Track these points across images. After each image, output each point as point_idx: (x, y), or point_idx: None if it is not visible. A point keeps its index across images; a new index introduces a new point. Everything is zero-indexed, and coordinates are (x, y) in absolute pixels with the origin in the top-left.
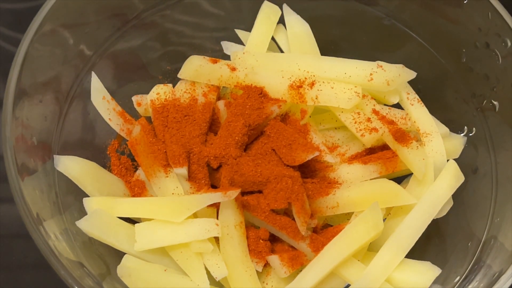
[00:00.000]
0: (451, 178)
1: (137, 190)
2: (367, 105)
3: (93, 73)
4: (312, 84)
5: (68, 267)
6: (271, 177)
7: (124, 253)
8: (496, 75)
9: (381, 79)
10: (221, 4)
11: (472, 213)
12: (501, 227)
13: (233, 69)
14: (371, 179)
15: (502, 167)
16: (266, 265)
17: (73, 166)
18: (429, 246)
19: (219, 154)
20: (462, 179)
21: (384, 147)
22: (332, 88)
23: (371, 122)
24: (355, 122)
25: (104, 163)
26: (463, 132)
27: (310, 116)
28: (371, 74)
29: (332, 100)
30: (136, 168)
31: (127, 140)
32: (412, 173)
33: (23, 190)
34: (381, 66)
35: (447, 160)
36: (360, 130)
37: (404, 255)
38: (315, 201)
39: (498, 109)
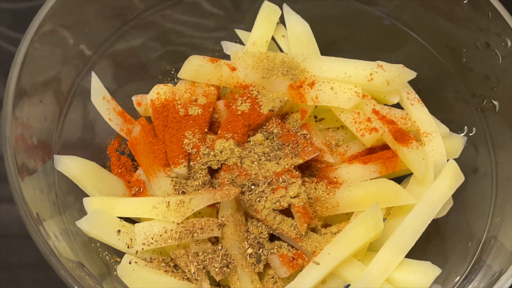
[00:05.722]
0: (451, 178)
1: (137, 190)
2: (367, 105)
3: (93, 73)
4: (312, 84)
5: (68, 267)
6: (271, 177)
7: (124, 253)
8: (496, 75)
9: (381, 79)
10: (221, 4)
11: (472, 213)
12: (501, 227)
13: (233, 69)
14: (371, 179)
15: (502, 167)
16: (266, 265)
17: (73, 166)
18: (429, 246)
19: (219, 154)
20: (462, 179)
21: (384, 147)
22: (332, 88)
23: (371, 122)
24: (355, 122)
25: (104, 163)
26: (463, 132)
27: (310, 116)
28: (371, 74)
29: (332, 100)
30: (136, 168)
31: (127, 140)
32: (412, 173)
33: (23, 190)
34: (381, 66)
35: (447, 160)
36: (360, 130)
37: (404, 255)
38: (315, 201)
39: (498, 109)
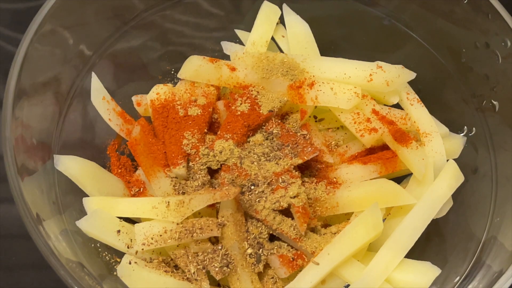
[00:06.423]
0: (451, 178)
1: (137, 190)
2: (366, 105)
3: (93, 73)
4: (311, 85)
5: (68, 267)
6: (271, 178)
7: (124, 253)
8: (496, 75)
9: (380, 79)
10: (221, 4)
11: (472, 213)
12: (501, 227)
13: (233, 69)
14: (370, 179)
15: (502, 167)
16: (266, 265)
17: (73, 166)
18: (429, 246)
19: (218, 154)
20: (462, 179)
21: (384, 147)
22: (332, 88)
23: (371, 123)
24: (355, 123)
25: (104, 163)
26: (463, 132)
27: (310, 116)
28: (370, 75)
29: (332, 100)
30: (136, 168)
31: (127, 140)
32: (412, 173)
33: (23, 190)
34: (381, 67)
35: (447, 160)
36: (360, 130)
37: (404, 255)
38: (315, 201)
39: (498, 109)
